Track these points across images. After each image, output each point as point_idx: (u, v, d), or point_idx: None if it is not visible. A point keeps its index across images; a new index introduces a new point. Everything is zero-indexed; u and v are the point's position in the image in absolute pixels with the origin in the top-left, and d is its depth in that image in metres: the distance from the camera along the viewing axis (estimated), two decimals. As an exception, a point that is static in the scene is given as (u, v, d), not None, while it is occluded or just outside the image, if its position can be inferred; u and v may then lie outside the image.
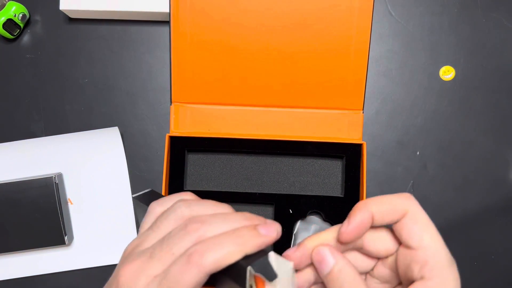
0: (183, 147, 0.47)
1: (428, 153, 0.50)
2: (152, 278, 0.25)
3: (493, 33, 0.51)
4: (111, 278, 0.28)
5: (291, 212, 0.46)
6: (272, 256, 0.26)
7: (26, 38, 0.51)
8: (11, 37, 0.50)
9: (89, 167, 0.49)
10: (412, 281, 0.26)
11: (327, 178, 0.47)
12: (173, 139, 0.46)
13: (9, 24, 0.49)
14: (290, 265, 0.27)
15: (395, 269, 0.28)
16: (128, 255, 0.28)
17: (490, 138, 0.50)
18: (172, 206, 0.28)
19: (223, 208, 0.28)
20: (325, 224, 0.46)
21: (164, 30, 0.51)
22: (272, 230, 0.27)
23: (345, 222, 0.27)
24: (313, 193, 0.47)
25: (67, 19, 0.51)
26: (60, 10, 0.48)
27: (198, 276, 0.24)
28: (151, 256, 0.26)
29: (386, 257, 0.29)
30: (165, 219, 0.28)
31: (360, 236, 0.27)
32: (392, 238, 0.28)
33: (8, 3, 0.49)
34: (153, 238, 0.27)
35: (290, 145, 0.46)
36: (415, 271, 0.26)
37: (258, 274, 0.25)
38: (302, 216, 0.46)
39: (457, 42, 0.51)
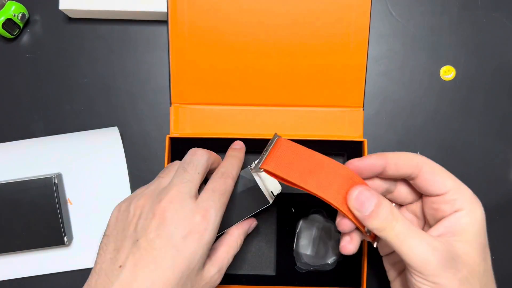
0: (183, 149, 0.47)
1: (428, 153, 0.50)
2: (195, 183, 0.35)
3: (494, 33, 0.51)
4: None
5: (293, 211, 0.46)
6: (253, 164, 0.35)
7: (25, 38, 0.51)
8: (11, 36, 0.50)
9: (89, 167, 0.49)
10: (440, 219, 0.32)
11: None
12: (173, 141, 0.46)
13: (9, 23, 0.49)
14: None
15: (419, 215, 0.35)
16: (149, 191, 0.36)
17: (490, 138, 0.50)
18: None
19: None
20: (328, 223, 0.46)
21: (164, 30, 0.51)
22: (241, 145, 0.43)
23: (357, 159, 0.33)
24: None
25: (66, 19, 0.51)
26: (59, 10, 0.48)
27: (232, 184, 0.37)
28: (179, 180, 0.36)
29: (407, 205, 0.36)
30: (167, 168, 0.39)
31: (366, 175, 0.33)
32: (411, 191, 0.35)
33: (7, 2, 0.49)
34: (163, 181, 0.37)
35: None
36: (447, 209, 0.31)
37: (255, 167, 0.34)
38: (304, 215, 0.46)
39: (457, 42, 0.51)
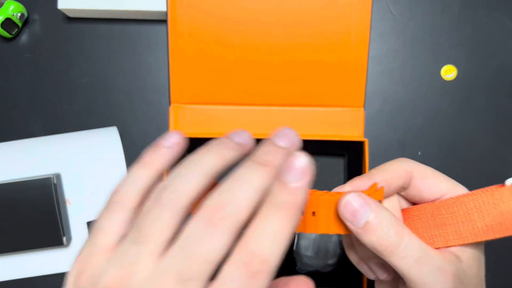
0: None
1: (429, 153, 0.49)
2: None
3: (495, 32, 0.50)
4: None
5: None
6: None
7: (24, 37, 0.51)
8: (10, 36, 0.50)
9: (88, 167, 0.48)
10: None
11: (329, 177, 0.47)
12: (172, 139, 0.46)
13: (7, 23, 0.49)
14: None
15: None
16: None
17: (492, 138, 0.49)
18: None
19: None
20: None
21: (163, 29, 0.50)
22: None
23: (339, 187, 0.27)
24: (315, 192, 0.46)
25: (65, 18, 0.51)
26: (58, 9, 0.48)
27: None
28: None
29: None
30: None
31: None
32: (405, 203, 0.28)
33: (6, 2, 0.49)
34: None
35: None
36: None
37: None
38: (303, 216, 0.46)
39: (458, 41, 0.50)
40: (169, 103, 0.47)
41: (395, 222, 0.24)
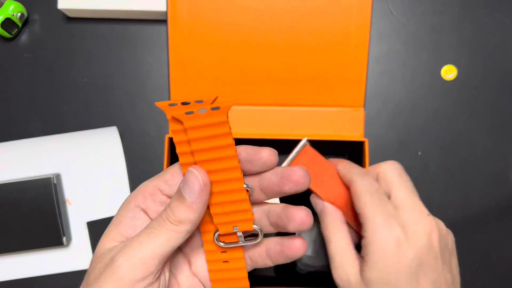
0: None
1: (429, 153, 0.49)
2: None
3: (495, 32, 0.50)
4: None
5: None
6: None
7: (24, 37, 0.51)
8: (9, 36, 0.50)
9: (88, 167, 0.48)
10: None
11: (329, 177, 0.47)
12: (172, 141, 0.46)
13: (7, 23, 0.49)
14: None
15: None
16: None
17: (492, 137, 0.49)
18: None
19: None
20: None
21: (163, 29, 0.50)
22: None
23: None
24: (315, 192, 0.46)
25: (65, 18, 0.51)
26: (58, 9, 0.48)
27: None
28: None
29: None
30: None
31: None
32: None
33: (6, 2, 0.49)
34: None
35: (291, 144, 0.46)
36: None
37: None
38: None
39: (458, 41, 0.50)
40: (169, 103, 0.47)
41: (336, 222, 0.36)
